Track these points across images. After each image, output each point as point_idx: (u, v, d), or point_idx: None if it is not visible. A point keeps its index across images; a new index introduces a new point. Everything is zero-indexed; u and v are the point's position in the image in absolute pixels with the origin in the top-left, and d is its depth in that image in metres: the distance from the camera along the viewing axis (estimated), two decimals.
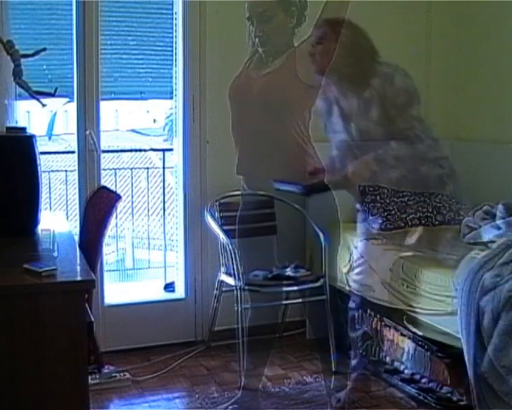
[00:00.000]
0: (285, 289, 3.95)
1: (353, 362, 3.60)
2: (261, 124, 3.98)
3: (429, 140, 3.28)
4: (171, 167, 4.61)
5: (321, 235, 3.99)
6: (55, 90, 3.40)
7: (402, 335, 3.63)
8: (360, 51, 3.31)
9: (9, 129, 3.34)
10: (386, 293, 3.61)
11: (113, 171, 5.48)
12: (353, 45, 3.29)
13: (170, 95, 4.30)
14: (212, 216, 4.03)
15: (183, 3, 4.10)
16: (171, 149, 4.53)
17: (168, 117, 4.65)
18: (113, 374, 3.68)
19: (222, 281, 3.99)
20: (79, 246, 2.99)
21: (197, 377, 3.82)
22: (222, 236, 3.87)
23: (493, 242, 3.23)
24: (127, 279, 6.03)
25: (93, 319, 2.78)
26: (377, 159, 3.27)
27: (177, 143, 4.28)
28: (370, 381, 3.74)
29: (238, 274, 3.71)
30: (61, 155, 5.93)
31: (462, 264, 3.18)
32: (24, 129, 3.26)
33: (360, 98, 3.31)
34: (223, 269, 3.98)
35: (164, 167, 4.81)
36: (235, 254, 3.73)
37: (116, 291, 4.45)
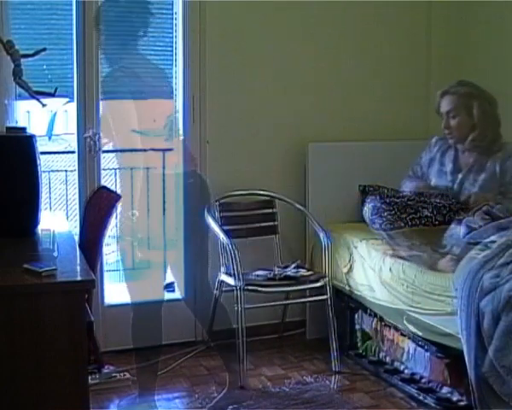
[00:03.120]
0: (285, 289, 3.95)
1: None
2: None
3: None
4: (172, 167, 4.60)
5: (321, 235, 3.99)
6: (55, 90, 3.39)
7: (402, 335, 3.63)
8: (491, 121, 3.62)
9: (9, 129, 3.33)
10: (386, 293, 3.61)
11: (113, 171, 5.47)
12: (485, 116, 3.60)
13: (170, 95, 4.29)
14: (212, 216, 4.03)
15: (183, 3, 4.10)
16: (171, 149, 4.52)
17: (168, 117, 4.64)
18: (113, 374, 3.68)
19: (222, 281, 3.98)
20: (79, 246, 2.99)
21: (197, 377, 3.81)
22: (222, 236, 3.86)
23: (493, 242, 3.22)
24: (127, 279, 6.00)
25: (93, 319, 2.78)
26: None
27: (177, 143, 4.28)
28: (370, 381, 3.74)
29: (238, 274, 3.71)
30: (61, 154, 5.91)
31: (462, 264, 3.18)
32: (24, 129, 3.26)
33: (478, 160, 3.65)
34: (223, 269, 3.98)
35: (164, 167, 4.80)
36: (235, 254, 3.72)
37: (116, 291, 4.45)
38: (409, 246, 3.54)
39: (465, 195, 3.67)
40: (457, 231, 3.49)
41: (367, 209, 3.74)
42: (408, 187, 3.88)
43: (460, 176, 3.73)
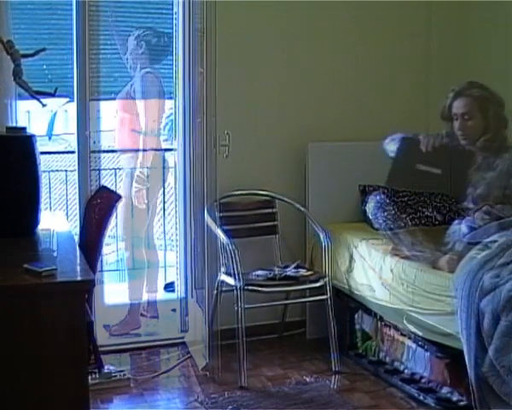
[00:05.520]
0: (285, 289, 3.95)
1: None
2: None
3: None
4: (171, 167, 4.61)
5: (321, 235, 3.99)
6: (55, 90, 3.40)
7: (402, 335, 3.63)
8: (502, 123, 3.62)
9: (9, 129, 3.34)
10: (386, 293, 3.61)
11: (113, 171, 5.47)
12: (497, 118, 3.61)
13: (170, 95, 4.29)
14: (212, 216, 4.03)
15: (183, 3, 4.10)
16: (171, 149, 4.53)
17: (168, 117, 4.64)
18: (113, 374, 3.68)
19: (222, 281, 3.98)
20: (79, 246, 2.99)
21: (197, 377, 3.82)
22: (222, 236, 3.86)
23: (494, 242, 3.22)
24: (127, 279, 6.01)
25: (93, 319, 2.78)
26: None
27: (178, 143, 4.28)
28: (370, 381, 3.74)
29: (238, 274, 3.71)
30: (61, 155, 5.92)
31: (462, 264, 3.18)
32: (24, 129, 3.26)
33: (486, 159, 3.61)
34: (223, 269, 3.98)
35: (164, 167, 4.81)
36: (234, 254, 3.72)
37: (116, 291, 4.45)
38: (410, 244, 3.54)
39: (474, 192, 3.66)
40: (458, 230, 3.50)
41: (370, 206, 3.73)
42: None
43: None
